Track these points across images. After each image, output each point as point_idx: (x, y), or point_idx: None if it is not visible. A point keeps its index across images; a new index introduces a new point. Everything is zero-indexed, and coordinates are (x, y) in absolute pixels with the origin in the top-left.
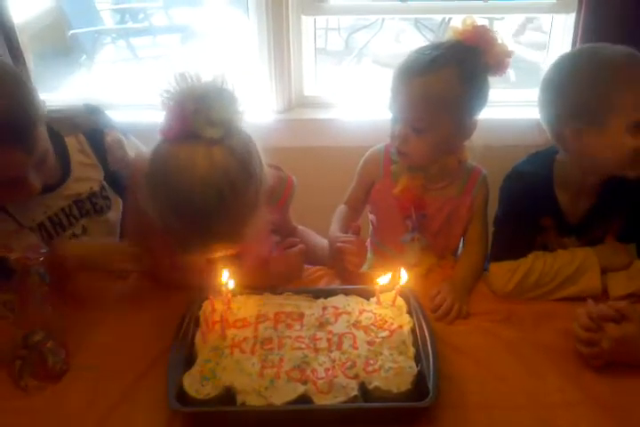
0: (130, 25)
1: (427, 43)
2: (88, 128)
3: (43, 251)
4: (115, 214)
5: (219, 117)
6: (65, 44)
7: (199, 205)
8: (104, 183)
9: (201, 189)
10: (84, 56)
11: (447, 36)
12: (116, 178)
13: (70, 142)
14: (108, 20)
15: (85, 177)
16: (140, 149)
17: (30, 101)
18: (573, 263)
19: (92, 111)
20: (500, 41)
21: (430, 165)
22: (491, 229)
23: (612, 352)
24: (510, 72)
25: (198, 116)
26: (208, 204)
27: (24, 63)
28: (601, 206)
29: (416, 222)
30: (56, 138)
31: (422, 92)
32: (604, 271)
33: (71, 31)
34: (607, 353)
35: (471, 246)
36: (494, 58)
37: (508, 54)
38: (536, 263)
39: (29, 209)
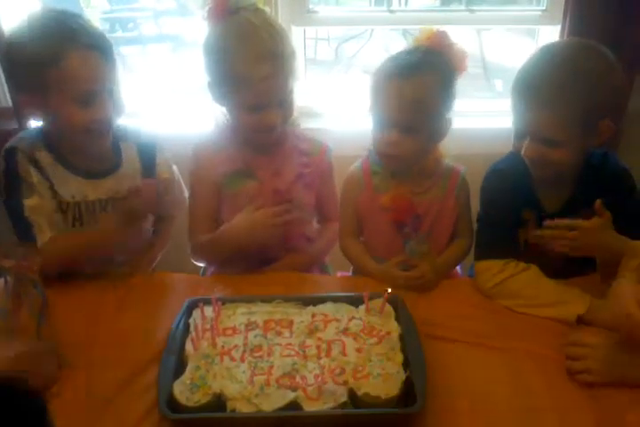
0: (119, 34)
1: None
2: (141, 140)
3: (37, 260)
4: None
5: None
6: None
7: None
8: None
9: (265, 26)
10: None
11: (412, 44)
12: None
13: (123, 146)
14: None
15: (128, 178)
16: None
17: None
18: (558, 295)
19: (151, 136)
20: (456, 44)
21: (412, 168)
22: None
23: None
24: (497, 82)
25: None
26: (268, 43)
27: None
28: (578, 197)
29: (413, 226)
30: (112, 137)
31: (413, 94)
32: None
33: None
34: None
35: (458, 239)
36: (456, 59)
37: (466, 55)
38: (523, 274)
39: (74, 187)
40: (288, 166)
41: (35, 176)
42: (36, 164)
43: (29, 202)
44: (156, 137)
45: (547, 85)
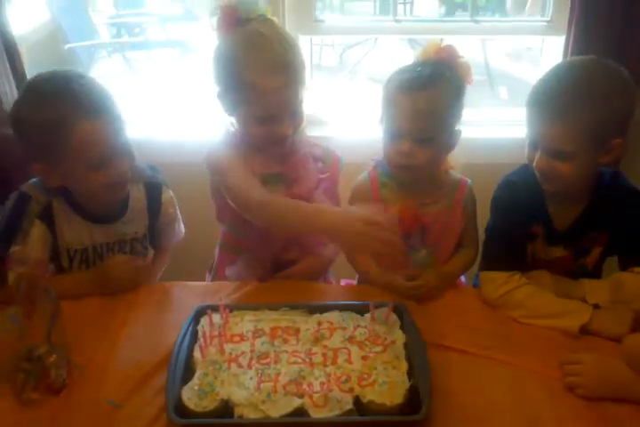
0: (126, 39)
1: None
2: (148, 180)
3: (50, 267)
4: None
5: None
6: (61, 58)
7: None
8: (147, 233)
9: (275, 37)
10: (80, 70)
11: (420, 57)
12: (155, 233)
13: (131, 188)
14: (105, 34)
15: (135, 222)
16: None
17: (111, 95)
18: (561, 306)
19: (152, 168)
20: (462, 57)
21: (423, 179)
22: (482, 237)
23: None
24: (501, 89)
25: (241, 4)
26: (280, 53)
27: (24, 76)
28: (587, 216)
29: (419, 237)
30: None
31: (427, 105)
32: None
33: (67, 45)
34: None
35: (463, 249)
36: (462, 71)
37: (470, 67)
38: (527, 286)
39: (82, 234)
40: (307, 173)
41: (37, 228)
42: (46, 214)
43: (15, 249)
44: (160, 174)
45: (561, 99)
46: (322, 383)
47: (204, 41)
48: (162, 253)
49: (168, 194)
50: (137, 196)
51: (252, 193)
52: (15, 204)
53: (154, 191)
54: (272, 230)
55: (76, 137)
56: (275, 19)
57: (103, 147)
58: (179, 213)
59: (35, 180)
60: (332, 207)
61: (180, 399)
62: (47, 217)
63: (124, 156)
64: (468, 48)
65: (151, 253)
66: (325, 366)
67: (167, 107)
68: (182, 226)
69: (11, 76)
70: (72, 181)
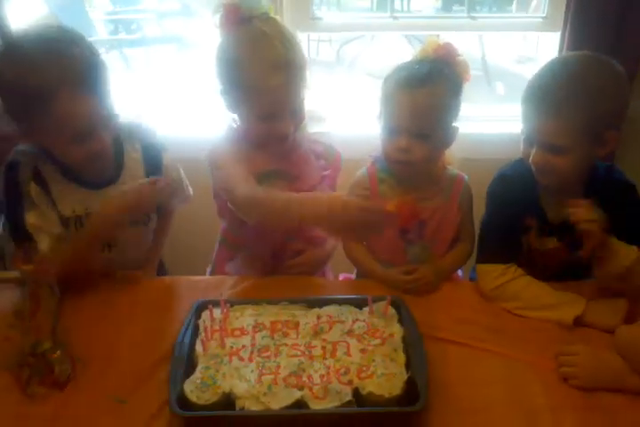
0: (123, 36)
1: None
2: (147, 141)
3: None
4: (148, 229)
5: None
6: None
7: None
8: None
9: (277, 35)
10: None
11: (419, 54)
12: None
13: (127, 149)
14: (102, 31)
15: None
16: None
17: (100, 61)
18: (555, 298)
19: (152, 131)
20: (461, 56)
21: (420, 174)
22: (478, 231)
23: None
24: (498, 84)
25: (244, 2)
26: (281, 52)
27: None
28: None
29: (417, 232)
30: (115, 140)
31: (425, 101)
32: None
33: None
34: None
35: (460, 243)
36: (460, 68)
37: (468, 65)
38: (522, 278)
39: (74, 200)
40: (309, 169)
41: (34, 191)
42: (38, 177)
43: (30, 216)
44: (160, 137)
45: (556, 95)
46: (321, 376)
47: (202, 36)
48: (165, 218)
49: (169, 157)
50: (133, 159)
51: (239, 189)
52: (6, 173)
53: (152, 155)
54: (265, 227)
55: (57, 111)
56: (277, 17)
57: (85, 121)
58: (183, 175)
59: (17, 147)
60: (316, 196)
61: (182, 393)
62: (40, 180)
63: (105, 128)
64: (465, 43)
65: (154, 219)
66: (325, 358)
67: (166, 103)
68: (190, 189)
69: None
70: (50, 145)
